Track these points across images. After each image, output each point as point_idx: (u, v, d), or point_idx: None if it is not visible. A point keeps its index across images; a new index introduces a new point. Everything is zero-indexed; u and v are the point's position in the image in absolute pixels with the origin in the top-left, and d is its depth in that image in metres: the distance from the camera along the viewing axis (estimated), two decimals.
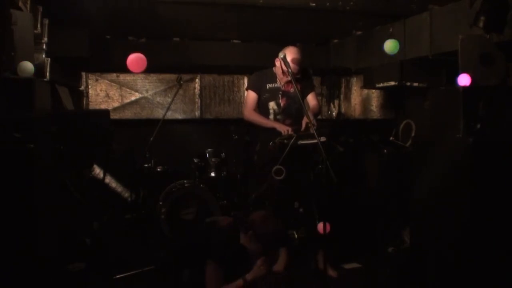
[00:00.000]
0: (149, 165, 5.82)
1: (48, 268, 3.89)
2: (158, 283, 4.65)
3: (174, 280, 4.15)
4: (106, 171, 5.35)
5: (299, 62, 5.01)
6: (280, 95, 5.19)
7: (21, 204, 3.50)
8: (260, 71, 5.34)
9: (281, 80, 5.17)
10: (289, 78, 4.77)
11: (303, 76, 5.23)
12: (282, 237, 4.35)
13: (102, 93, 7.01)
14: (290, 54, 4.95)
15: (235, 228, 4.15)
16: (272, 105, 5.20)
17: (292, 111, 5.19)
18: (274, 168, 4.31)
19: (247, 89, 5.41)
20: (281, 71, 5.07)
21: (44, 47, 4.72)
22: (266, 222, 4.22)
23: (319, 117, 6.17)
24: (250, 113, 5.23)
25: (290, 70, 4.59)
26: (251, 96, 5.25)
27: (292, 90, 5.09)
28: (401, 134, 6.58)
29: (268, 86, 5.21)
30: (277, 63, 5.11)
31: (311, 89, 5.38)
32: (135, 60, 4.84)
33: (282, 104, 5.19)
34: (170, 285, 4.54)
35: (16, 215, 3.49)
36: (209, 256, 3.91)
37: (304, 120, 4.88)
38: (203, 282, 3.95)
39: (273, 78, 5.22)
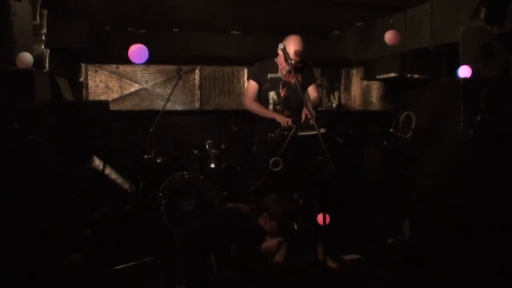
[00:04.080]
0: (149, 156, 5.80)
1: (48, 259, 3.89)
2: (158, 274, 4.65)
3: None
4: (106, 162, 5.35)
5: (300, 53, 4.98)
6: (281, 85, 5.16)
7: (21, 195, 3.51)
8: (262, 61, 5.31)
9: (283, 70, 5.14)
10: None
11: (304, 67, 5.21)
12: (295, 212, 4.60)
13: (102, 84, 7.00)
14: (291, 45, 4.92)
15: (252, 213, 4.43)
16: (272, 95, 5.18)
17: (292, 102, 5.17)
18: (272, 160, 4.32)
19: (248, 79, 5.39)
20: (283, 59, 5.03)
21: (43, 38, 4.69)
22: (277, 203, 4.44)
23: (319, 108, 6.16)
24: (250, 103, 5.21)
25: (290, 61, 4.57)
26: (251, 86, 5.23)
27: (293, 81, 5.07)
28: (401, 126, 6.57)
29: (269, 76, 5.18)
30: (280, 51, 5.08)
31: (312, 80, 5.35)
32: (136, 50, 4.82)
33: (282, 95, 5.17)
34: (170, 276, 4.54)
35: (16, 207, 3.49)
36: (231, 239, 4.16)
37: (304, 112, 4.86)
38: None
39: (274, 68, 5.20)
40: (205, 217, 4.79)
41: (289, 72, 5.04)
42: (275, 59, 5.21)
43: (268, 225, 4.35)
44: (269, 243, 4.34)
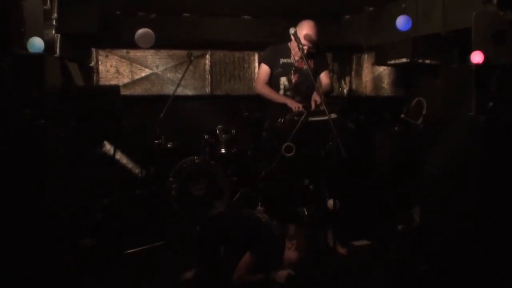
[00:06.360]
0: (160, 141, 5.82)
1: (60, 244, 3.93)
2: (168, 258, 4.69)
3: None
4: (116, 147, 5.37)
5: (312, 39, 4.93)
6: (292, 71, 5.14)
7: (32, 180, 3.53)
8: (274, 45, 5.28)
9: (296, 55, 5.11)
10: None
11: (317, 53, 5.18)
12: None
13: (112, 69, 7.01)
14: (303, 30, 4.89)
15: (283, 234, 4.24)
16: (283, 80, 5.17)
17: (303, 88, 5.15)
18: (284, 145, 4.31)
19: (260, 62, 5.37)
20: (296, 44, 5.00)
21: (54, 23, 4.71)
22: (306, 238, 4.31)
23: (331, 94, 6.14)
24: (261, 87, 5.20)
25: (301, 46, 4.55)
26: (263, 70, 5.21)
27: (305, 67, 5.04)
28: (412, 112, 6.53)
29: (282, 61, 5.16)
30: (291, 36, 5.04)
31: (325, 67, 5.33)
32: (143, 35, 4.81)
33: (293, 81, 5.15)
34: (180, 261, 4.57)
35: (27, 192, 3.51)
36: (250, 247, 4.00)
37: (313, 98, 4.84)
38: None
39: (287, 53, 5.17)
40: (232, 214, 4.75)
41: (301, 57, 5.01)
42: (289, 43, 5.18)
43: (290, 254, 4.17)
44: (281, 273, 4.09)
